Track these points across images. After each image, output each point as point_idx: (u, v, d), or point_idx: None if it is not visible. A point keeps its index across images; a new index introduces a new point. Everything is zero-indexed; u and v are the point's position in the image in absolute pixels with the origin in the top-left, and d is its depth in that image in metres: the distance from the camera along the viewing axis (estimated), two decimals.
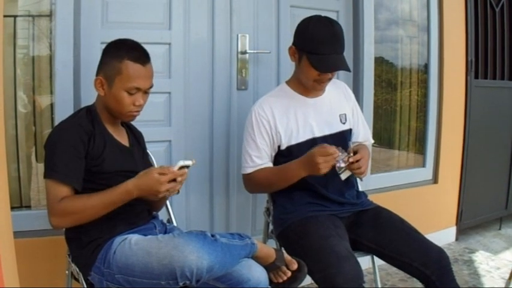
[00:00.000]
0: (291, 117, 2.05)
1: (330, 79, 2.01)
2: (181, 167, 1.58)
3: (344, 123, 2.14)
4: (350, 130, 2.17)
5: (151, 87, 1.75)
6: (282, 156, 2.05)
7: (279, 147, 2.05)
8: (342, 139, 2.10)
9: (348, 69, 1.96)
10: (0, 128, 1.44)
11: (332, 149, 1.84)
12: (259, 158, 2.03)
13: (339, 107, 2.16)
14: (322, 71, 1.95)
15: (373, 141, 2.33)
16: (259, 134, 2.03)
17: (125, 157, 1.79)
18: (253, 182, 2.07)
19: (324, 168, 1.84)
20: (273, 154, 2.07)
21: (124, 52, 1.69)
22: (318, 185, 2.01)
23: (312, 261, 1.78)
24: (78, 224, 1.59)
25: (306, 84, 2.05)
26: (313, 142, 2.04)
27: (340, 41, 1.96)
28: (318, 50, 1.93)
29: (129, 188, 1.57)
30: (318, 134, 2.07)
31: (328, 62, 1.93)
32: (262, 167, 2.03)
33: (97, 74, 1.74)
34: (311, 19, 1.99)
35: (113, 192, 1.58)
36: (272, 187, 2.08)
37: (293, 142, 2.04)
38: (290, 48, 2.04)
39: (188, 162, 1.59)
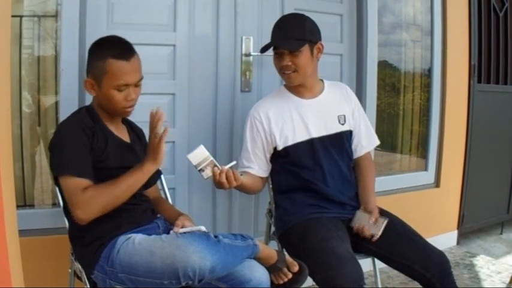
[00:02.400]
0: (286, 119, 2.08)
1: (294, 70, 2.01)
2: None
3: (343, 124, 2.14)
4: (350, 132, 2.18)
5: (140, 79, 1.74)
6: (281, 156, 2.09)
7: (275, 148, 2.08)
8: (340, 140, 2.12)
9: (290, 48, 1.97)
10: (7, 128, 1.46)
11: None
12: (246, 160, 2.09)
13: (338, 108, 2.16)
14: (266, 48, 2.02)
15: (378, 142, 2.31)
16: (251, 138, 2.08)
17: (127, 153, 1.81)
18: None
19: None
20: (268, 156, 2.10)
21: (106, 51, 1.69)
22: (318, 181, 2.03)
23: (313, 263, 1.79)
24: (106, 211, 1.58)
25: (282, 78, 2.10)
26: (311, 143, 2.07)
27: (289, 26, 2.01)
28: (271, 38, 2.03)
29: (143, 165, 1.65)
30: (315, 134, 2.08)
31: (272, 41, 2.02)
32: (247, 170, 2.07)
33: (86, 76, 1.75)
34: None
35: (132, 173, 1.63)
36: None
37: (290, 143, 2.06)
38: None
39: (202, 228, 1.66)
